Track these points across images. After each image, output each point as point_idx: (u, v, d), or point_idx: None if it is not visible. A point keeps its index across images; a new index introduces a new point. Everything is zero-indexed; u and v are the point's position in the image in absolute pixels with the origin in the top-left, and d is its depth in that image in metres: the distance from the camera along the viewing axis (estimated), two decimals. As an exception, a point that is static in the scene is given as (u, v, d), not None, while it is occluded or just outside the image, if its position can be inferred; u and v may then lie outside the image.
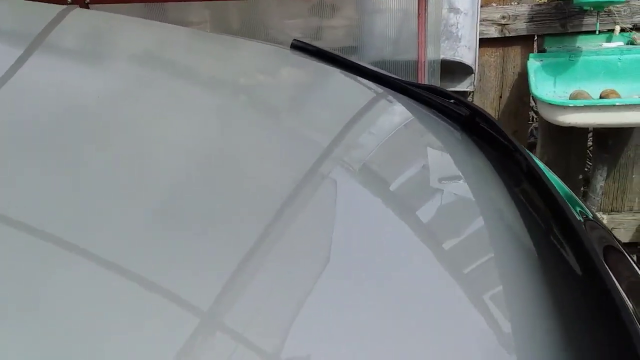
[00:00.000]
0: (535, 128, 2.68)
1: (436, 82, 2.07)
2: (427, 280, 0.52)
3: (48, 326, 0.38)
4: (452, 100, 0.86)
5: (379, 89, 0.90)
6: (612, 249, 0.71)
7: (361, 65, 0.98)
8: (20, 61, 0.76)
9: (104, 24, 1.02)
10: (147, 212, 0.50)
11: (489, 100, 2.25)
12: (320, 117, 0.82)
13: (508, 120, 2.25)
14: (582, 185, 2.31)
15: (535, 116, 2.62)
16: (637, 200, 2.28)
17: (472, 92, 2.23)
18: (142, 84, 0.81)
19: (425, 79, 2.01)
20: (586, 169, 2.31)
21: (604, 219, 2.26)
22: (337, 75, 0.96)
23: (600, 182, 2.11)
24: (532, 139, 2.51)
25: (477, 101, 2.26)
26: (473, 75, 2.16)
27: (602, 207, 2.25)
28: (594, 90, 2.07)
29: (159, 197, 0.52)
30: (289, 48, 1.07)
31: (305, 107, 0.86)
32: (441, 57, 2.03)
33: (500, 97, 2.25)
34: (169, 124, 0.67)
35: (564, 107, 1.89)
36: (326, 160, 0.66)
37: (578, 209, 0.73)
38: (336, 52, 1.02)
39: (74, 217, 0.48)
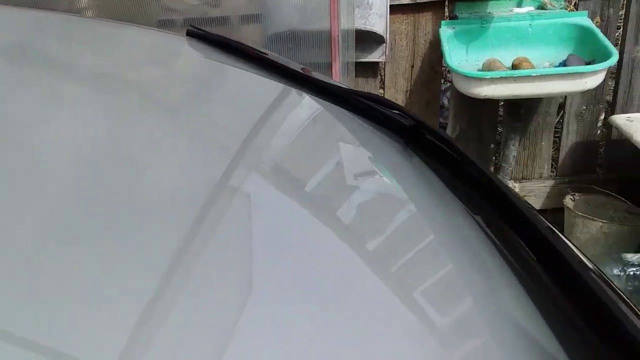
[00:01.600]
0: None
1: (351, 54, 1.92)
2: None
3: None
4: (394, 111, 0.71)
5: (300, 94, 0.73)
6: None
7: (272, 60, 0.81)
8: None
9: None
10: (32, 224, 0.46)
11: (400, 70, 2.14)
12: (223, 124, 0.66)
13: (420, 91, 2.16)
14: (494, 154, 2.29)
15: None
16: (546, 167, 2.30)
17: (384, 62, 2.11)
18: (12, 81, 0.71)
19: (339, 51, 1.86)
20: (497, 137, 2.29)
21: (516, 187, 2.26)
22: (241, 74, 0.78)
23: (513, 152, 2.09)
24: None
25: (389, 72, 2.15)
26: (384, 44, 2.03)
27: (513, 175, 2.24)
28: (505, 57, 2.02)
29: (45, 207, 0.48)
30: (184, 35, 0.88)
31: (202, 112, 0.69)
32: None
33: (412, 66, 2.14)
34: (47, 126, 0.61)
35: (479, 80, 1.82)
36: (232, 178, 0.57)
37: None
38: (242, 42, 0.84)
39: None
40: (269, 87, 0.73)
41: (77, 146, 0.58)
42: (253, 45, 0.86)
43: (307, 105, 0.71)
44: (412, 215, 0.64)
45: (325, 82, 0.75)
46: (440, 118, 2.34)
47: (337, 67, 1.89)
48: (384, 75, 2.17)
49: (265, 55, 0.80)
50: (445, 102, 2.67)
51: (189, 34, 0.86)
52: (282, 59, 0.83)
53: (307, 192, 0.62)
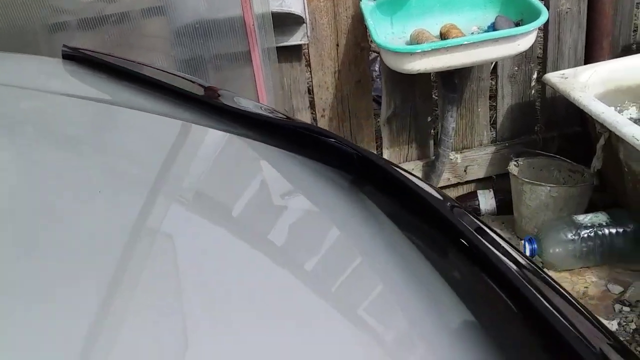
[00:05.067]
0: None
1: (270, 40, 1.76)
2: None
3: None
4: (332, 140, 0.58)
5: (204, 131, 0.59)
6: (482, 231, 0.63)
7: (168, 84, 0.66)
8: None
9: None
10: None
11: (325, 50, 2.00)
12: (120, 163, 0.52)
13: (349, 69, 2.04)
14: (433, 127, 2.21)
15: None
16: (485, 133, 2.23)
17: (307, 44, 1.97)
18: None
19: (256, 38, 1.69)
20: (434, 109, 2.20)
21: (458, 158, 2.19)
22: (130, 114, 0.63)
23: (451, 123, 2.01)
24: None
25: (314, 53, 2.00)
26: (305, 25, 1.88)
27: (453, 146, 2.17)
28: (432, 26, 1.93)
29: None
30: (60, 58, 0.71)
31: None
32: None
33: (337, 45, 2.01)
34: None
35: (410, 54, 1.71)
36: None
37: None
38: (126, 60, 0.68)
39: None
40: (167, 125, 0.58)
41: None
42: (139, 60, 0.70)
43: (219, 142, 0.57)
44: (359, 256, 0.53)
45: (238, 108, 0.60)
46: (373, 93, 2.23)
47: (256, 56, 1.74)
48: (309, 57, 2.03)
49: (158, 79, 0.65)
50: (374, 75, 2.57)
51: (65, 56, 0.69)
52: (180, 78, 0.68)
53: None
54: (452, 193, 2.28)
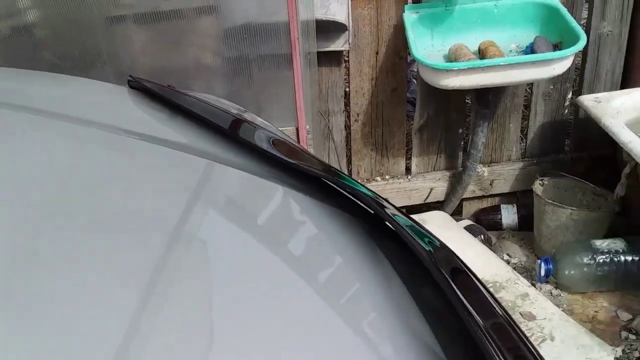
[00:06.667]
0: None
1: (312, 45, 1.84)
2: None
3: None
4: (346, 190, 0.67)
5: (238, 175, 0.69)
6: (458, 270, 0.72)
7: (221, 125, 0.75)
8: None
9: None
10: None
11: (365, 57, 2.07)
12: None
13: (386, 78, 2.10)
14: (463, 139, 2.26)
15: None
16: (514, 149, 2.28)
17: (348, 51, 2.03)
18: None
19: (299, 43, 1.77)
20: (466, 121, 2.25)
21: (485, 171, 2.24)
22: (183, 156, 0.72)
23: (481, 138, 2.06)
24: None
25: (353, 59, 2.07)
26: (347, 32, 1.95)
27: (482, 159, 2.22)
28: (471, 41, 1.97)
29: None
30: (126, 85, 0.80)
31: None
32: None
33: (377, 53, 2.07)
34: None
35: (446, 71, 1.76)
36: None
37: (427, 239, 0.73)
38: (190, 93, 0.77)
39: None
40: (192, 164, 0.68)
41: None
42: (199, 94, 0.79)
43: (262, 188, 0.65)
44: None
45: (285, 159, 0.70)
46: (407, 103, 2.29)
47: (297, 61, 1.82)
48: (349, 63, 2.10)
49: (205, 117, 0.74)
50: (412, 75, 2.61)
51: (131, 85, 0.78)
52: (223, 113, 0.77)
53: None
54: (476, 205, 2.33)
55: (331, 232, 0.69)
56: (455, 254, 0.72)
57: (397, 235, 0.66)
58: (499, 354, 0.51)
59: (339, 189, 0.72)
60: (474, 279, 0.68)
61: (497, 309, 0.62)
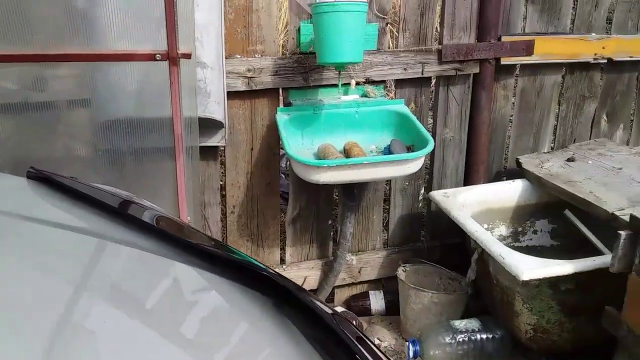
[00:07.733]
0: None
1: (194, 140, 1.91)
2: None
3: None
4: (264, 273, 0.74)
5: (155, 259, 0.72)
6: (361, 339, 0.77)
7: (130, 213, 0.79)
8: None
9: None
10: None
11: (240, 153, 2.18)
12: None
13: (261, 172, 2.22)
14: (333, 229, 2.41)
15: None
16: (378, 239, 2.47)
17: (224, 146, 2.13)
18: None
19: (182, 138, 1.84)
20: (333, 213, 2.42)
21: (353, 260, 2.39)
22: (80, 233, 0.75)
23: (349, 228, 2.22)
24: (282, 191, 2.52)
25: (230, 155, 2.17)
26: (224, 129, 2.06)
27: (350, 248, 2.37)
28: (337, 141, 2.17)
29: None
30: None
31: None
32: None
33: (252, 149, 2.19)
34: None
35: (317, 167, 1.92)
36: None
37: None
38: (90, 185, 0.81)
39: None
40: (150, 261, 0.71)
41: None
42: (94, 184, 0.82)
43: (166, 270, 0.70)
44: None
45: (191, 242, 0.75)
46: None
47: (179, 154, 1.87)
48: (225, 158, 2.19)
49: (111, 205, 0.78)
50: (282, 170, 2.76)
51: (30, 176, 0.80)
52: (139, 206, 0.81)
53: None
54: (347, 292, 2.46)
55: (224, 306, 0.73)
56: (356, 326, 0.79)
57: (299, 303, 0.72)
58: None
59: (231, 261, 0.77)
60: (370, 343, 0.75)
61: None
